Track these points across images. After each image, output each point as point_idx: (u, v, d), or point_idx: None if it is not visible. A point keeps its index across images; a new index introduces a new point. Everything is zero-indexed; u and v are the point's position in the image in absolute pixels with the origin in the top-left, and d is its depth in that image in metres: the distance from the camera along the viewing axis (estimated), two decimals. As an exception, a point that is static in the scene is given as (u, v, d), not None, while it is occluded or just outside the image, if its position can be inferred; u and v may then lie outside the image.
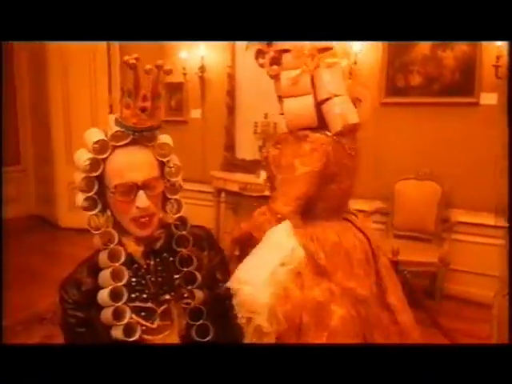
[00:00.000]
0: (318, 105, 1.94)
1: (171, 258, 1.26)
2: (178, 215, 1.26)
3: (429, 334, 3.11)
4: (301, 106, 1.95)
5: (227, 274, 1.39)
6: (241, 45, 4.17)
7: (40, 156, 6.42)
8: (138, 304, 1.21)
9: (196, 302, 1.24)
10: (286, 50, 1.96)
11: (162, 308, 1.22)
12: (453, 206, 3.90)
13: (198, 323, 1.25)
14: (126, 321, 1.17)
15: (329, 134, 1.92)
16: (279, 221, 1.82)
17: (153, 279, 1.23)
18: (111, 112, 5.73)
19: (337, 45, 1.99)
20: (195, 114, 5.14)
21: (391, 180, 4.08)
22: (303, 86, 1.93)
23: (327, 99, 1.92)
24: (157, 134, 1.21)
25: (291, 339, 1.68)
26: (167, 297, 1.23)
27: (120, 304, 1.18)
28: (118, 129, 1.16)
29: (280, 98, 2.03)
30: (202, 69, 4.94)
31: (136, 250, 1.23)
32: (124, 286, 1.19)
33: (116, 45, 5.45)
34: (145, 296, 1.22)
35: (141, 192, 1.14)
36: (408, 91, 4.04)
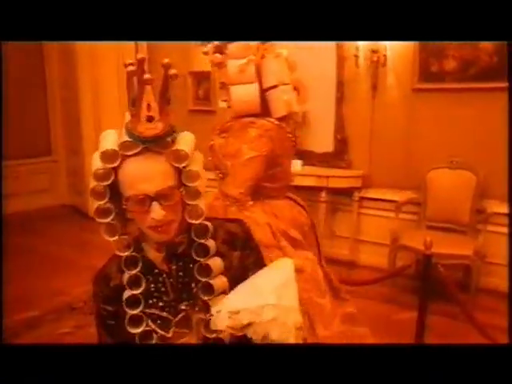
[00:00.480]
0: (262, 92, 2.11)
1: (191, 265, 1.21)
2: (198, 222, 1.17)
3: (463, 330, 3.03)
4: (247, 93, 2.10)
5: None
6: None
7: (71, 147, 6.50)
8: (154, 311, 1.20)
9: (212, 313, 1.16)
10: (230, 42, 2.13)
11: (179, 317, 1.20)
12: (488, 197, 3.75)
13: (213, 336, 1.18)
14: (141, 329, 1.18)
15: (272, 120, 2.10)
16: (233, 203, 2.06)
17: (173, 284, 1.21)
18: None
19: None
20: (223, 103, 5.07)
21: (423, 169, 3.94)
22: (249, 74, 2.10)
23: (274, 86, 2.09)
24: (170, 139, 1.12)
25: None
26: (183, 307, 1.20)
27: (136, 312, 1.17)
28: (127, 138, 1.09)
29: (223, 85, 2.21)
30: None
31: (157, 256, 1.20)
32: (141, 293, 1.18)
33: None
34: (161, 304, 1.20)
35: (154, 203, 1.09)
36: (442, 76, 3.87)
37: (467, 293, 3.45)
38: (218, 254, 1.21)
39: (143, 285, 1.18)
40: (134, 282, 1.18)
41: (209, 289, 1.17)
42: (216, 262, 1.20)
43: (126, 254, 1.17)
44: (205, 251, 1.18)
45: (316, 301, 2.02)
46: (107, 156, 1.10)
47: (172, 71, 1.09)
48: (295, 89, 2.21)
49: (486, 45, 3.63)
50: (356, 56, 4.11)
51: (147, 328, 1.18)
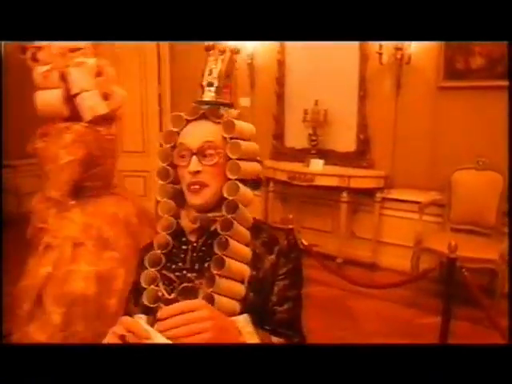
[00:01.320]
0: (72, 98, 2.30)
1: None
2: (232, 198, 1.19)
3: (487, 335, 2.93)
4: (50, 98, 2.29)
5: (290, 289, 1.24)
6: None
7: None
8: (164, 272, 1.24)
9: (215, 289, 1.14)
10: (40, 48, 2.32)
11: (184, 284, 1.20)
12: (516, 198, 3.63)
13: None
14: (151, 286, 1.21)
15: (86, 124, 2.28)
16: (54, 205, 2.24)
17: (194, 257, 1.23)
18: (160, 102, 5.75)
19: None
20: (244, 102, 5.05)
21: (448, 169, 3.84)
22: (52, 80, 2.28)
23: (78, 93, 2.28)
24: (225, 112, 1.22)
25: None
26: (189, 275, 1.21)
27: (152, 270, 1.23)
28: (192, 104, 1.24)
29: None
30: (251, 55, 4.83)
31: (189, 226, 1.25)
32: (163, 254, 1.25)
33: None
34: (174, 267, 1.24)
35: (194, 157, 1.17)
36: (468, 74, 3.77)
37: (492, 298, 3.34)
38: (254, 254, 1.22)
39: (169, 248, 1.25)
40: (162, 244, 1.25)
41: (220, 262, 1.15)
42: (242, 249, 1.20)
43: (166, 216, 1.26)
44: (228, 227, 1.18)
45: (104, 301, 2.21)
46: (175, 120, 1.23)
47: (233, 47, 1.27)
48: (105, 93, 2.40)
49: (515, 41, 3.51)
50: (380, 53, 4.03)
51: (156, 287, 1.22)
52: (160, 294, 1.20)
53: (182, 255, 1.24)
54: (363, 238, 4.44)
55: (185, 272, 1.22)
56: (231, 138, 1.19)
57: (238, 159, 1.19)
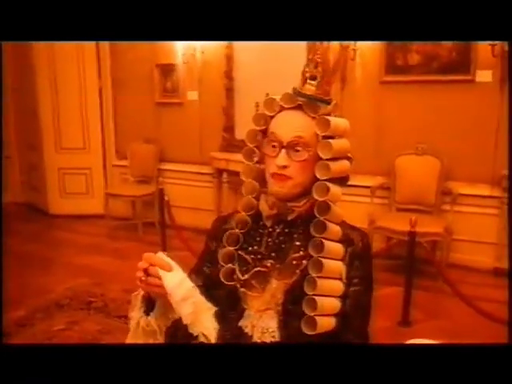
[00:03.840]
0: None
1: (295, 235, 1.25)
2: (321, 199, 1.18)
3: (441, 300, 3.31)
4: None
5: (363, 296, 1.26)
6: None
7: (25, 143, 6.23)
8: (240, 252, 1.26)
9: (316, 292, 1.15)
10: None
11: (258, 269, 1.23)
12: (452, 179, 4.10)
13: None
14: (228, 265, 1.25)
15: None
16: None
17: (269, 242, 1.26)
18: (101, 97, 5.63)
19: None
20: (192, 95, 5.11)
21: (392, 156, 4.24)
22: None
23: None
24: (322, 106, 1.20)
25: None
26: (268, 263, 1.23)
27: (231, 249, 1.26)
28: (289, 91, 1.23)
29: None
30: (199, 49, 4.90)
31: (266, 210, 1.26)
32: (242, 233, 1.27)
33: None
34: (250, 249, 1.26)
35: (283, 151, 1.18)
36: (407, 69, 4.17)
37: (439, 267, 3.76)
38: None
39: (247, 228, 1.27)
40: (241, 224, 1.28)
41: (318, 266, 1.16)
42: (335, 246, 1.21)
43: (248, 196, 1.28)
44: (321, 228, 1.18)
45: None
46: (268, 103, 1.24)
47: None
48: None
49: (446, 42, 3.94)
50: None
51: (232, 266, 1.25)
52: (235, 275, 1.24)
53: (258, 238, 1.27)
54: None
55: (259, 256, 1.25)
56: (324, 137, 1.17)
57: (328, 159, 1.17)
